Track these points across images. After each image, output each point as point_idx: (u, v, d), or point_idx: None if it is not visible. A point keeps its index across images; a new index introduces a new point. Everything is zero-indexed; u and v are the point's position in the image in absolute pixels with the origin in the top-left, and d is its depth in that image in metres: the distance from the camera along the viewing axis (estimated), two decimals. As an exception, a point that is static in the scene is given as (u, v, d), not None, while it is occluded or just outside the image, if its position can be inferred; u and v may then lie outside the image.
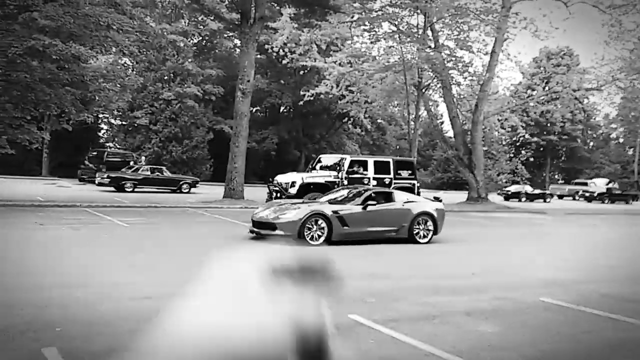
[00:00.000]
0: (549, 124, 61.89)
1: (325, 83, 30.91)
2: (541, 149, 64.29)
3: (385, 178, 17.48)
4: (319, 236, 10.94)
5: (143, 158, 35.81)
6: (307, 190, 15.85)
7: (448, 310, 6.59)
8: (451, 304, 6.94)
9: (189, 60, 43.50)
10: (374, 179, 17.28)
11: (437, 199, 13.60)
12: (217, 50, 49.83)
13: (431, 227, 12.73)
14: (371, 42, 28.93)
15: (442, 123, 56.59)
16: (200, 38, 48.49)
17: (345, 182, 16.47)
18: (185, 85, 42.04)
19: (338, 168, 17.22)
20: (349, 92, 32.26)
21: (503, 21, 27.51)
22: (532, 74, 60.83)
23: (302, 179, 16.51)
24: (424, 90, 29.04)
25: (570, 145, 65.27)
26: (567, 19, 34.35)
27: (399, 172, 17.95)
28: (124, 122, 44.04)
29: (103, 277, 7.66)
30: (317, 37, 28.46)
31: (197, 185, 29.37)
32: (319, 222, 11.04)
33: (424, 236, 12.62)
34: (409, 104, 28.77)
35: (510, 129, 46.41)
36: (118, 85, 22.66)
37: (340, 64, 30.44)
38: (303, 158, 51.90)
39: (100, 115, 44.61)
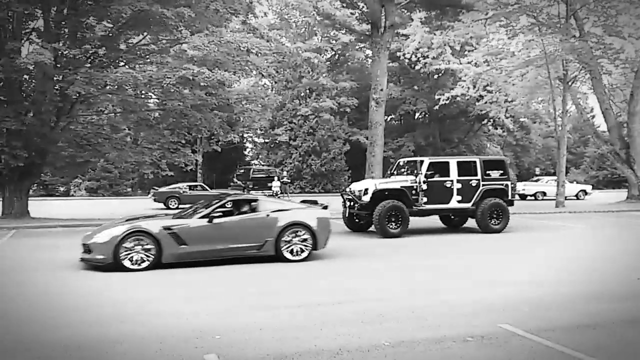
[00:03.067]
0: None
1: (461, 85, 30.07)
2: None
3: (471, 180, 14.93)
4: (143, 260, 9.16)
5: (285, 173, 37.32)
6: (382, 198, 14.14)
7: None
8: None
9: (323, 75, 44.72)
10: (458, 181, 14.84)
11: (323, 207, 11.21)
12: (349, 63, 50.72)
13: (309, 241, 10.33)
14: (509, 38, 27.64)
15: (593, 117, 52.44)
16: (333, 53, 49.69)
17: (424, 187, 14.42)
18: (321, 99, 43.24)
19: (415, 172, 14.92)
20: (487, 92, 31.04)
21: (657, 0, 24.88)
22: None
23: (375, 185, 14.46)
24: (570, 83, 26.99)
25: None
26: None
27: (487, 172, 15.25)
28: (266, 140, 46.31)
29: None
30: (450, 38, 27.79)
31: None
32: (143, 242, 9.20)
33: (298, 252, 10.24)
34: (554, 99, 26.88)
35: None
36: (260, 106, 23.85)
37: (476, 64, 29.45)
38: (442, 163, 50.79)
39: (245, 135, 47.42)
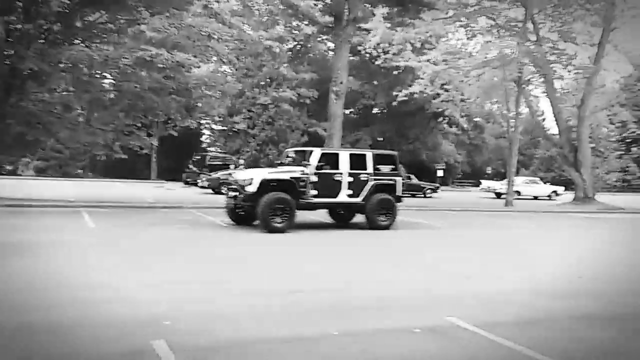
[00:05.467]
0: (663, 118, 57.60)
1: (419, 82, 30.45)
2: (655, 145, 59.77)
3: (361, 174, 14.27)
4: None
5: (242, 161, 37.04)
6: (268, 189, 12.97)
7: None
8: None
9: (284, 65, 44.49)
10: (349, 174, 14.12)
11: None
12: (311, 54, 50.59)
13: None
14: (467, 38, 28.24)
15: (544, 120, 54.03)
16: (295, 43, 49.39)
17: (314, 179, 13.53)
18: (281, 89, 43.04)
19: (305, 162, 13.99)
20: (444, 91, 31.57)
21: (610, 10, 25.83)
22: (644, 64, 56.30)
23: (262, 175, 13.36)
24: (524, 85, 27.72)
25: (689, 141, 60.22)
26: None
27: (378, 167, 14.54)
28: (224, 127, 45.83)
29: (205, 276, 8.05)
30: (411, 35, 28.08)
31: None
32: None
33: None
34: (508, 101, 27.65)
35: (620, 125, 43.47)
36: (219, 92, 23.60)
37: (434, 62, 29.89)
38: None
39: (203, 121, 46.78)
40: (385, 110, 52.54)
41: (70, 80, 19.15)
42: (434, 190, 35.23)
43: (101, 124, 20.32)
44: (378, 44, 29.05)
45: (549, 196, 36.31)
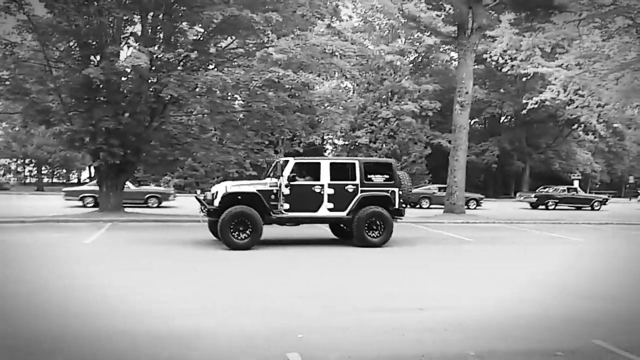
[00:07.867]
0: None
1: (550, 88, 28.90)
2: None
3: (347, 185, 12.78)
4: None
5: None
6: (234, 202, 12.09)
7: None
8: None
9: (406, 77, 44.35)
10: (330, 186, 12.68)
11: None
12: (432, 65, 50.01)
13: None
14: (603, 40, 26.27)
15: (697, 123, 48.73)
16: (417, 55, 49.14)
17: (286, 191, 12.38)
18: (403, 102, 42.90)
19: (277, 173, 12.80)
20: (579, 97, 29.61)
21: None
22: None
23: (226, 188, 12.39)
24: (671, 87, 25.31)
25: None
26: None
27: (369, 177, 12.97)
28: (346, 142, 46.51)
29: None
30: (540, 40, 26.74)
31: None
32: None
33: None
34: (652, 104, 25.37)
35: None
36: (341, 108, 24.03)
37: (567, 67, 28.20)
38: (528, 169, 49.14)
39: (326, 137, 47.85)
40: (513, 119, 50.48)
41: (206, 103, 20.52)
42: (603, 202, 31.80)
43: (233, 143, 21.53)
44: (504, 51, 28.02)
45: None
